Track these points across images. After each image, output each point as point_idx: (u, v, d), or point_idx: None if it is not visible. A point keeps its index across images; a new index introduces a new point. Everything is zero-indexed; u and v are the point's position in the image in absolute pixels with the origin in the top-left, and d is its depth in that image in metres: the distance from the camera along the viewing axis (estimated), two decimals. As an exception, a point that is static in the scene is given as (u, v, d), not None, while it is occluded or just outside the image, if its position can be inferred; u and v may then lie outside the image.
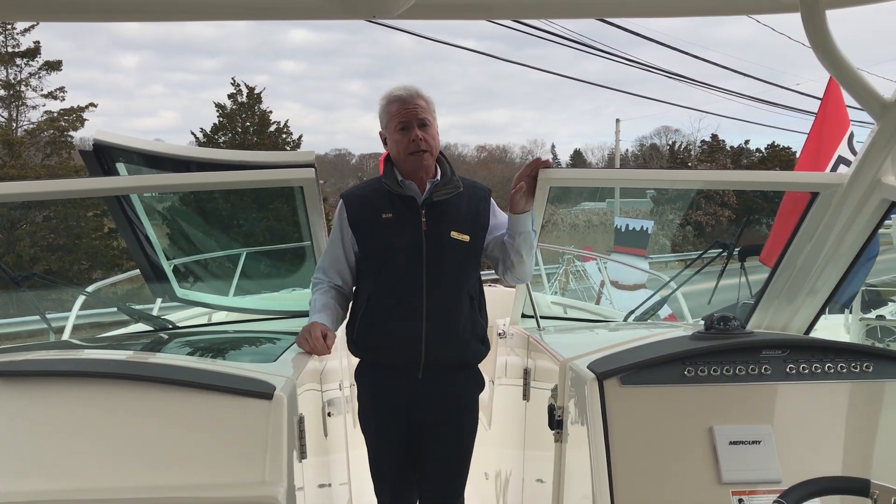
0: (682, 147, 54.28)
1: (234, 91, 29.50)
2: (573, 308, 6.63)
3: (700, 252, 3.91)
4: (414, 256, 3.13)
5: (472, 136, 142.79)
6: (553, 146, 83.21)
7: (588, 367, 2.57)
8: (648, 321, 4.36)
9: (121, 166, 3.43)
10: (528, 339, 3.63)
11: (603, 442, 2.40)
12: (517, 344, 3.90)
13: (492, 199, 3.36)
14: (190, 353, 3.37)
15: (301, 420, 2.54)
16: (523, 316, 4.19)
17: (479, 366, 3.39)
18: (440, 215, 3.16)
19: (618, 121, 46.14)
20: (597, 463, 2.38)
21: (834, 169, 4.03)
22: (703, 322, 2.78)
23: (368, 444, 3.39)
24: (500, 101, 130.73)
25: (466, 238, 3.18)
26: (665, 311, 7.50)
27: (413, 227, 3.14)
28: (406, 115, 3.12)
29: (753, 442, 2.43)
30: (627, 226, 15.41)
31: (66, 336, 4.84)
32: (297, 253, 5.55)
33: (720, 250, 3.70)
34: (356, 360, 3.43)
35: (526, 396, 3.60)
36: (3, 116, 25.17)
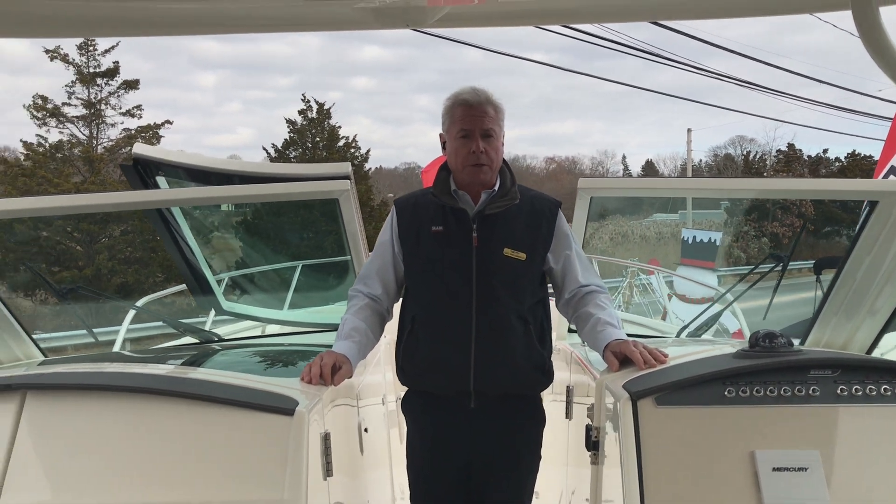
0: (757, 157, 52.87)
1: (305, 107, 30.01)
2: (629, 323, 6.44)
3: (753, 266, 3.70)
4: (462, 274, 2.88)
5: (540, 147, 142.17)
6: (624, 157, 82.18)
7: (623, 387, 2.44)
8: (702, 337, 4.17)
9: (161, 180, 3.46)
10: (571, 355, 3.51)
11: (635, 466, 2.27)
12: (562, 360, 3.77)
13: (560, 214, 3.04)
14: (227, 367, 3.36)
15: (327, 437, 2.49)
16: (570, 331, 4.07)
17: None
18: (493, 230, 2.90)
19: (689, 130, 45.21)
20: (629, 488, 2.25)
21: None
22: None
23: (411, 480, 3.14)
24: (570, 113, 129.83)
25: (522, 256, 2.90)
26: (734, 325, 7.22)
27: (463, 242, 2.90)
28: (470, 123, 2.87)
29: (799, 469, 2.25)
30: (695, 237, 14.95)
31: (116, 348, 4.92)
32: (346, 266, 5.54)
33: (774, 263, 3.49)
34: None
35: (568, 415, 3.47)
36: (84, 134, 26.09)
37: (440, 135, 3.02)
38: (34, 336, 3.57)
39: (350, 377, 2.84)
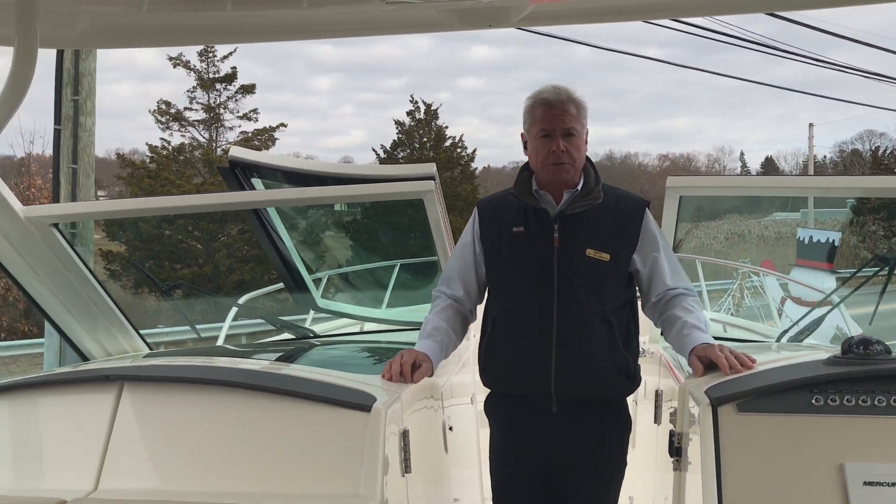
0: (888, 152, 49.90)
1: (413, 108, 30.46)
2: (734, 326, 6.21)
3: (856, 269, 3.50)
4: (543, 276, 2.83)
5: (653, 144, 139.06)
6: (742, 154, 79.23)
7: (705, 392, 2.36)
8: (805, 342, 3.98)
9: (257, 182, 3.59)
10: (661, 358, 3.42)
11: (714, 475, 2.18)
12: (653, 363, 3.69)
13: (647, 214, 2.95)
14: (317, 363, 3.45)
15: (405, 434, 2.51)
16: (662, 334, 3.97)
17: None
18: (575, 230, 2.84)
19: (811, 125, 43.21)
20: (708, 498, 2.17)
21: None
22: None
23: (493, 482, 3.10)
24: (684, 109, 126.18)
25: (606, 257, 2.82)
26: (856, 329, 6.82)
27: (544, 243, 2.85)
28: (550, 123, 2.81)
29: (893, 484, 2.12)
30: (811, 238, 14.21)
31: (220, 342, 5.13)
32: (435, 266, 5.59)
33: (880, 266, 3.29)
34: None
35: (657, 420, 3.39)
36: (204, 137, 27.33)
37: (521, 134, 2.99)
38: (143, 332, 3.78)
39: (430, 375, 2.86)
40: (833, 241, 14.20)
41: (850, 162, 53.96)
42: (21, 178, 25.36)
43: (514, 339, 2.92)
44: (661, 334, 3.89)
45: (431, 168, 3.26)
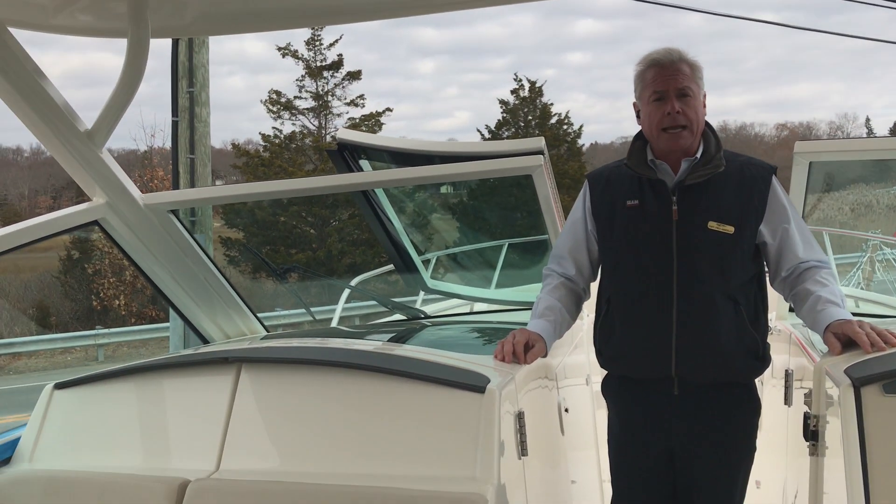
0: None
1: (517, 87, 30.21)
2: (867, 301, 5.82)
3: None
4: (662, 252, 2.67)
5: (770, 114, 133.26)
6: (868, 119, 74.68)
7: (844, 372, 2.18)
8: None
9: (364, 163, 3.58)
10: (790, 336, 3.22)
11: (859, 461, 2.01)
12: (781, 341, 3.48)
13: (775, 181, 2.73)
14: (429, 344, 3.42)
15: (521, 415, 2.45)
16: (791, 310, 3.74)
17: None
18: (696, 202, 2.66)
19: (945, 86, 40.20)
20: (852, 486, 2.01)
21: None
22: None
23: (612, 467, 3.00)
24: (803, 75, 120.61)
25: (730, 229, 2.64)
26: None
27: (662, 217, 2.67)
28: (663, 84, 2.64)
29: None
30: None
31: (333, 324, 5.21)
32: (545, 244, 5.49)
33: None
34: None
35: (788, 401, 3.19)
36: (313, 124, 27.98)
37: (633, 104, 2.83)
38: (260, 315, 3.86)
39: (544, 356, 2.78)
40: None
41: None
42: (144, 171, 26.68)
43: (631, 320, 2.78)
44: (791, 310, 3.70)
45: (540, 142, 3.15)
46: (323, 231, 25.92)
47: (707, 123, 2.78)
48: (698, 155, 2.72)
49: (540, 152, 3.10)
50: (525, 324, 2.84)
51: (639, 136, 2.84)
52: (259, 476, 2.31)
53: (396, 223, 3.97)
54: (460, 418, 2.26)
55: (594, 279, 3.00)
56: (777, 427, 3.53)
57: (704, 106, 2.75)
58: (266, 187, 3.32)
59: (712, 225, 2.66)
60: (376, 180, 3.37)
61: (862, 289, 10.65)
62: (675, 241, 2.68)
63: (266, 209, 24.97)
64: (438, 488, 2.14)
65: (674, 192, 2.70)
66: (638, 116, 2.82)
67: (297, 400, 2.45)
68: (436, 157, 3.41)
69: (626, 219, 2.76)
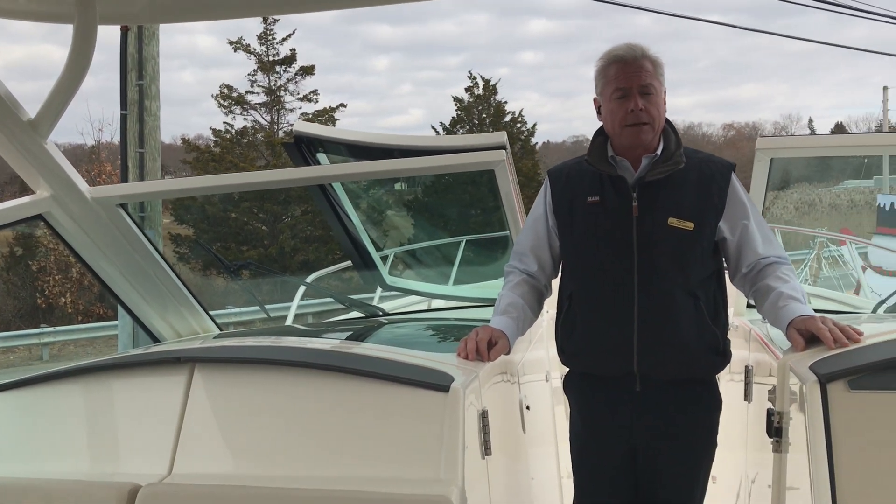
0: (968, 114, 47.54)
1: (471, 84, 30.20)
2: (817, 298, 5.92)
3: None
4: (622, 248, 2.66)
5: (717, 114, 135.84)
6: (810, 120, 76.46)
7: (810, 368, 2.18)
8: (901, 313, 3.73)
9: (322, 157, 3.49)
10: (750, 332, 3.22)
11: (825, 459, 2.00)
12: (740, 337, 3.49)
13: (734, 178, 2.74)
14: (389, 342, 3.36)
15: (484, 414, 2.40)
16: (749, 306, 3.76)
17: None
18: (656, 198, 2.66)
19: (885, 88, 41.32)
20: (817, 484, 2.00)
21: None
22: None
23: (574, 463, 2.98)
24: (750, 76, 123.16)
25: (690, 226, 2.64)
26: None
27: (622, 213, 2.67)
28: (626, 81, 2.63)
29: None
30: (892, 204, 13.54)
31: (289, 321, 5.11)
32: (506, 240, 5.46)
33: None
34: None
35: (747, 397, 3.20)
36: (266, 120, 27.61)
37: (594, 99, 2.81)
38: (212, 313, 3.74)
39: (507, 353, 2.74)
40: (918, 207, 13.55)
41: (927, 126, 51.65)
42: (91, 165, 26.04)
43: (593, 316, 2.77)
44: (748, 306, 3.72)
45: (502, 137, 3.10)
46: (275, 227, 25.61)
47: (667, 120, 2.78)
48: (658, 151, 2.72)
49: (503, 147, 3.06)
50: (485, 321, 2.81)
51: (599, 132, 2.83)
52: (214, 480, 2.22)
53: (354, 218, 3.89)
54: (423, 418, 2.21)
55: (556, 276, 2.98)
56: (735, 423, 3.55)
57: (665, 103, 2.74)
58: (221, 180, 3.21)
59: (672, 221, 2.66)
60: (335, 174, 3.28)
61: (809, 285, 10.86)
62: (635, 237, 2.67)
63: (216, 205, 24.58)
64: (401, 490, 2.08)
65: (634, 189, 2.69)
66: (599, 113, 2.80)
67: (254, 401, 2.37)
68: (396, 151, 3.34)
69: (587, 215, 2.75)
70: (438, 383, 2.24)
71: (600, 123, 2.82)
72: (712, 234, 2.71)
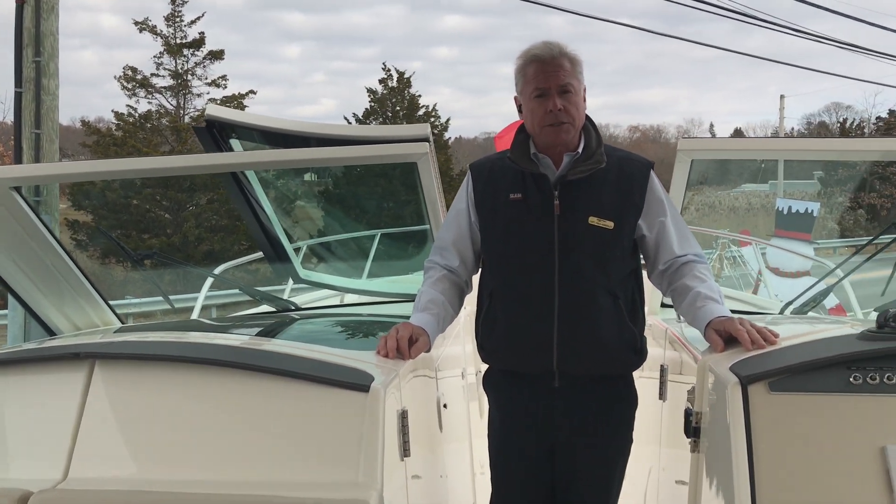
0: (855, 124, 50.27)
1: (385, 76, 30.00)
2: (727, 298, 6.05)
3: (872, 236, 3.35)
4: (544, 246, 2.66)
5: (624, 115, 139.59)
6: (711, 125, 79.49)
7: (730, 369, 2.19)
8: (809, 314, 3.84)
9: (235, 143, 3.34)
10: (665, 331, 3.25)
11: (746, 459, 2.02)
12: (655, 336, 3.52)
13: (653, 177, 2.76)
14: (302, 338, 3.24)
15: (404, 414, 2.33)
16: (663, 305, 3.80)
17: None
18: (577, 197, 2.66)
19: (782, 97, 43.22)
20: (738, 483, 2.01)
21: None
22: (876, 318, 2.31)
23: (492, 461, 2.96)
24: (656, 80, 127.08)
25: (610, 224, 2.65)
26: (831, 301, 6.75)
27: (543, 211, 2.67)
28: (545, 81, 2.62)
29: None
30: (790, 208, 14.16)
31: (194, 315, 4.90)
32: (425, 234, 5.38)
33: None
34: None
35: (662, 396, 3.23)
36: (172, 104, 26.71)
37: (515, 97, 2.80)
38: (112, 303, 3.53)
39: (427, 351, 2.68)
40: (812, 211, 14.22)
41: (817, 134, 54.31)
42: (-19, 146, 24.62)
43: (514, 313, 2.75)
44: (662, 305, 3.76)
45: (425, 129, 3.01)
46: (179, 216, 24.83)
47: (588, 118, 2.78)
48: (580, 149, 2.72)
49: (426, 139, 2.97)
50: (401, 317, 2.75)
51: (521, 129, 2.82)
52: (113, 485, 2.07)
53: (268, 208, 3.73)
54: (342, 419, 2.12)
55: (476, 272, 2.95)
56: (649, 421, 3.58)
57: (585, 100, 2.75)
58: (130, 164, 2.99)
59: (593, 220, 2.66)
60: (249, 161, 3.12)
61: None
62: (556, 235, 2.66)
63: (117, 191, 23.64)
64: (317, 495, 1.99)
65: (556, 187, 2.69)
66: (520, 111, 2.80)
67: (159, 401, 2.23)
68: (314, 140, 3.22)
69: (509, 212, 2.73)
70: (358, 383, 2.16)
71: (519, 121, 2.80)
72: (632, 233, 2.73)
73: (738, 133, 71.41)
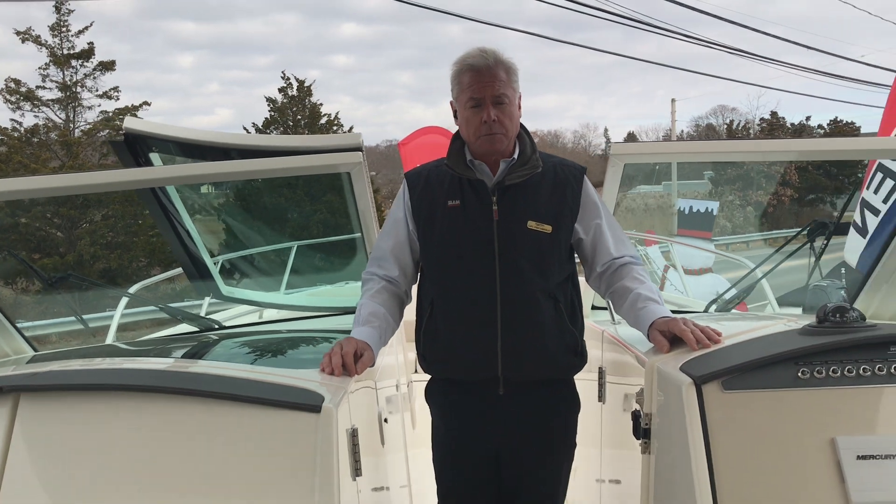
0: (741, 126, 52.65)
1: (285, 85, 29.51)
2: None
3: (797, 231, 3.47)
4: (483, 252, 2.65)
5: (522, 121, 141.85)
6: (606, 130, 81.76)
7: (682, 370, 2.21)
8: (732, 311, 3.95)
9: (155, 157, 3.17)
10: (602, 333, 3.28)
11: (704, 458, 2.04)
12: (591, 339, 3.54)
13: (586, 181, 2.81)
14: (234, 358, 3.11)
15: (354, 433, 2.25)
16: (594, 308, 3.84)
17: None
18: (514, 202, 2.67)
19: (673, 101, 44.95)
20: (699, 482, 2.03)
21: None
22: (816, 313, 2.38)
23: (437, 472, 2.93)
24: (551, 87, 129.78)
25: (548, 228, 2.67)
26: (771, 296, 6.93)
27: (483, 217, 2.66)
28: (480, 91, 2.63)
29: (888, 456, 2.04)
30: (691, 208, 14.71)
31: (109, 339, 4.65)
32: (351, 245, 5.25)
33: (817, 230, 3.25)
34: (414, 356, 3.08)
35: (601, 398, 3.25)
36: (60, 117, 25.50)
37: (451, 103, 2.78)
38: (19, 325, 3.28)
39: (372, 365, 2.61)
40: (712, 210, 14.81)
41: (705, 136, 56.57)
42: None
43: (456, 322, 2.72)
44: (594, 307, 3.79)
45: (358, 138, 2.94)
46: (72, 234, 23.72)
47: (522, 125, 2.79)
48: (515, 156, 2.74)
49: (359, 149, 2.90)
50: (328, 330, 2.68)
51: (457, 136, 2.81)
52: None
53: (188, 223, 3.57)
54: (293, 442, 2.03)
55: (415, 281, 2.91)
56: (589, 424, 3.60)
57: (519, 108, 2.76)
58: (37, 183, 2.78)
59: (531, 224, 2.68)
60: (174, 176, 2.96)
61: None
62: (496, 240, 2.66)
63: (3, 209, 22.41)
64: None
65: (493, 192, 2.69)
66: (455, 117, 2.79)
67: (94, 433, 2.08)
68: (239, 152, 3.10)
69: (448, 219, 2.71)
70: (308, 403, 2.08)
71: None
72: (569, 236, 2.76)
73: (630, 136, 73.82)
